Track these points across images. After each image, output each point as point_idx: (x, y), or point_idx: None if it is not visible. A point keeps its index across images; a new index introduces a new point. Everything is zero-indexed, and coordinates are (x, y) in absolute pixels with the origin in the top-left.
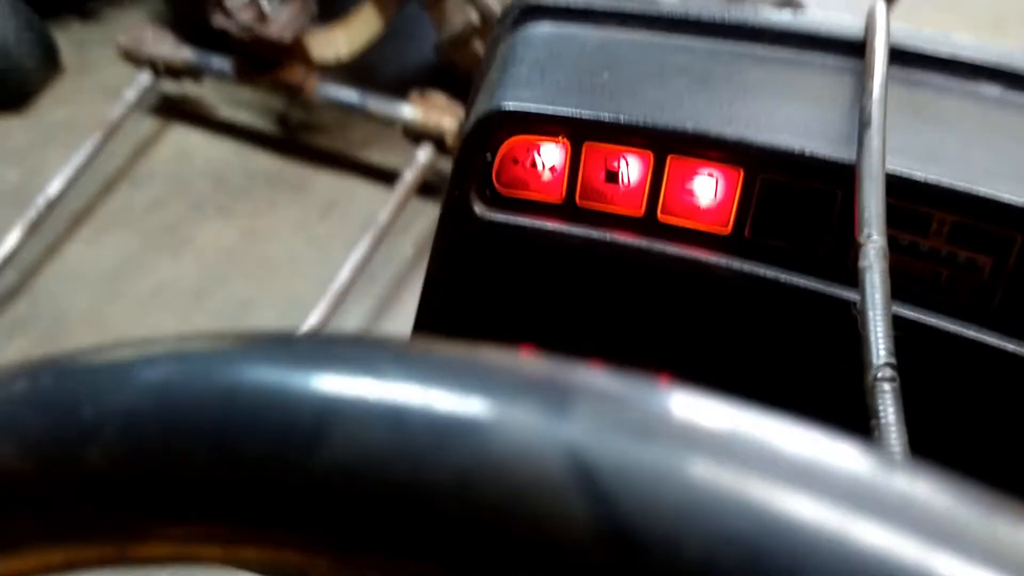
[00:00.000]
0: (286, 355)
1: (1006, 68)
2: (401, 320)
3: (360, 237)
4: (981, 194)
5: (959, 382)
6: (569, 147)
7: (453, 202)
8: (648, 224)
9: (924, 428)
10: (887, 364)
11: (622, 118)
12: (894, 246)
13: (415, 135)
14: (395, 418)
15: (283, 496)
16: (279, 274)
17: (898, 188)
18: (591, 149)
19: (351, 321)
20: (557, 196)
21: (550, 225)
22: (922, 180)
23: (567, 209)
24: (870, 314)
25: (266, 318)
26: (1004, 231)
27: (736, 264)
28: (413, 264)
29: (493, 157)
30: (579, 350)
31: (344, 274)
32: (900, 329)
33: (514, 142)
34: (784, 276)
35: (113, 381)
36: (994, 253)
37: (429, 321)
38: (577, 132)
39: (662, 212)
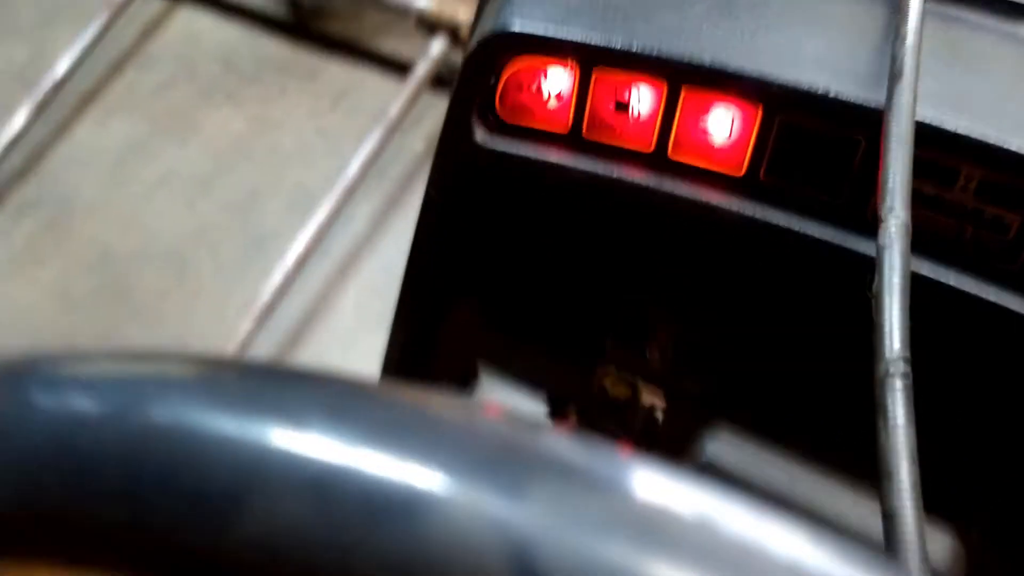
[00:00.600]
0: (209, 397)
1: None
2: (408, 220)
3: (371, 129)
4: (1013, 148)
5: (976, 346)
6: (578, 73)
7: (453, 127)
8: (658, 161)
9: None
10: (901, 358)
11: (635, 44)
12: (917, 198)
13: (429, 25)
14: (323, 490)
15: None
16: (288, 164)
17: (925, 137)
18: (601, 76)
19: (359, 220)
20: (563, 125)
21: (554, 156)
22: (951, 130)
23: (573, 140)
24: (886, 299)
25: (273, 208)
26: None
27: (748, 209)
28: (423, 160)
29: (497, 81)
30: (578, 291)
31: (353, 168)
32: (917, 287)
33: (519, 65)
34: (798, 224)
35: (14, 421)
36: (1021, 211)
37: (424, 249)
38: (587, 57)
39: (673, 148)
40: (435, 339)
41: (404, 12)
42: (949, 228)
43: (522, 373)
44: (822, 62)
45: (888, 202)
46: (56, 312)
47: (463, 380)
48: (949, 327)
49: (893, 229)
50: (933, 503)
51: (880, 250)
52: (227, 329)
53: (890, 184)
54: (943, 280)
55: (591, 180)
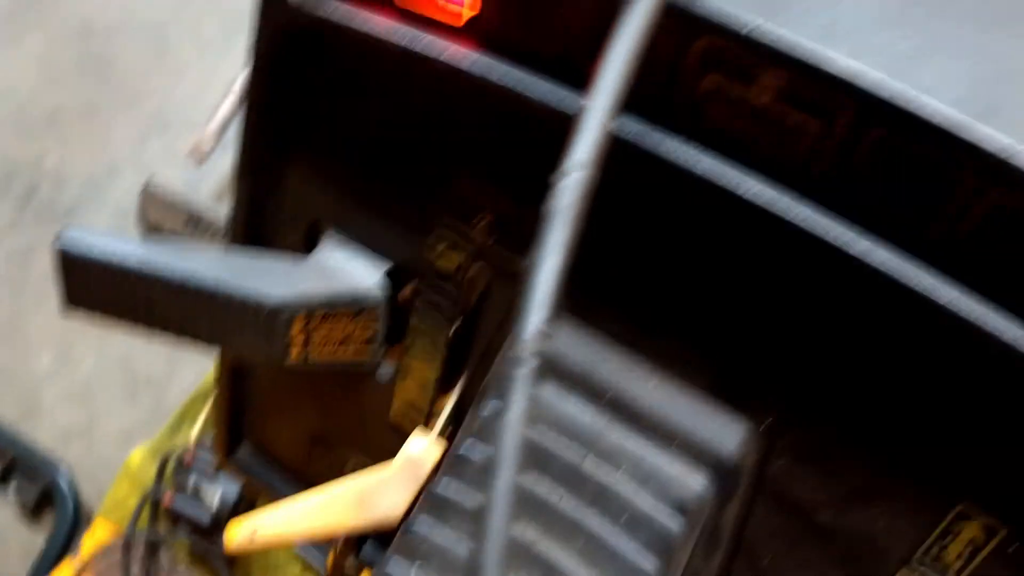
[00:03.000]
0: None
1: None
2: None
3: None
4: (816, 58)
5: (766, 258)
6: None
7: None
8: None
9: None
10: (534, 351)
11: None
12: (718, 98)
13: None
14: None
15: None
16: None
17: (726, 33)
18: None
19: None
20: None
21: (366, 22)
22: (749, 33)
23: (387, 4)
24: (543, 268)
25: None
26: (836, 99)
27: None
28: None
29: None
30: (405, 158)
31: None
32: (720, 191)
33: None
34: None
35: None
36: (822, 119)
37: (254, 106)
38: None
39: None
40: (277, 197)
41: None
42: (748, 131)
43: (362, 238)
44: None
45: (569, 163)
46: (40, 84)
47: (309, 242)
48: (741, 232)
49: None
50: (732, 395)
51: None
52: (208, 107)
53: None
54: (740, 184)
55: (404, 50)
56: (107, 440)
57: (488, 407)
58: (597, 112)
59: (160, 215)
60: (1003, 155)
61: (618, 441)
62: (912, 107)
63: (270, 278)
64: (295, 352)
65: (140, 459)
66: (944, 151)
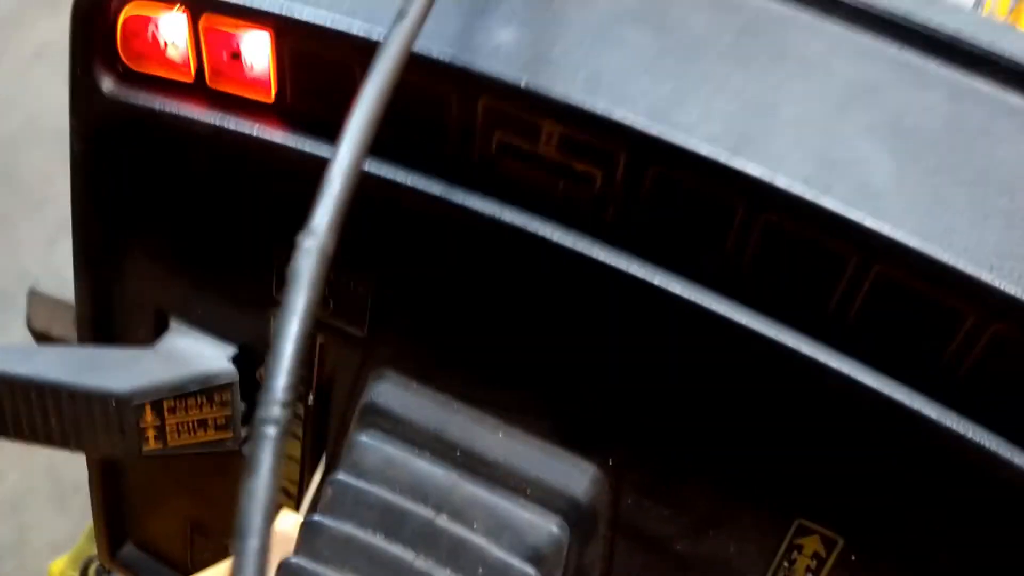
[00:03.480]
0: None
1: None
2: None
3: None
4: (584, 106)
5: (570, 298)
6: (189, 19)
7: (79, 75)
8: (199, 89)
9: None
10: (280, 404)
11: None
12: (510, 151)
13: None
14: None
15: None
16: None
17: (501, 91)
18: (209, 23)
19: None
20: (188, 74)
21: (182, 107)
22: (524, 87)
23: (199, 90)
24: (284, 334)
25: None
26: (610, 145)
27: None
28: None
29: (113, 27)
30: (238, 235)
31: None
32: (525, 239)
33: (130, 9)
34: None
35: None
36: (602, 166)
37: (81, 197)
38: (195, 3)
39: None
40: (120, 289)
41: None
42: (543, 182)
43: (208, 321)
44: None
45: (313, 224)
46: None
47: (158, 331)
48: (546, 279)
49: (310, 247)
50: (577, 439)
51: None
52: None
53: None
54: (539, 231)
55: (218, 130)
56: (39, 553)
57: (334, 479)
58: (338, 175)
59: (46, 321)
60: (763, 181)
61: (470, 495)
62: (677, 144)
63: (116, 370)
64: (151, 441)
65: (61, 568)
66: (712, 183)
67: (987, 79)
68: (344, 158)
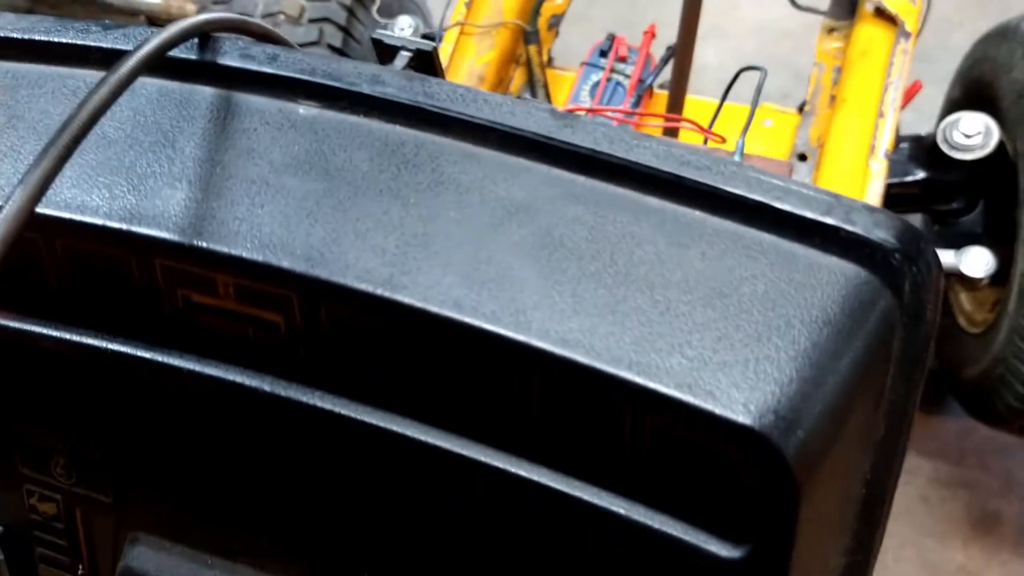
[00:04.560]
0: None
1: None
2: None
3: None
4: (245, 257)
5: (279, 445)
6: None
7: None
8: None
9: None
10: None
11: None
12: (197, 307)
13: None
14: None
15: None
16: None
17: (170, 251)
18: None
19: None
20: None
21: None
22: (189, 245)
23: None
24: None
25: None
26: (280, 290)
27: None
28: None
29: None
30: None
31: None
32: (214, 388)
33: None
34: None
35: None
36: (281, 311)
37: None
38: None
39: None
40: None
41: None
42: (234, 331)
43: None
44: None
45: None
46: None
47: None
48: (255, 431)
49: None
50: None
51: None
52: None
53: None
54: (239, 380)
55: None
56: None
57: None
58: None
59: None
60: (416, 307)
61: None
62: (335, 282)
63: None
64: None
65: None
66: (374, 315)
67: (628, 187)
68: None
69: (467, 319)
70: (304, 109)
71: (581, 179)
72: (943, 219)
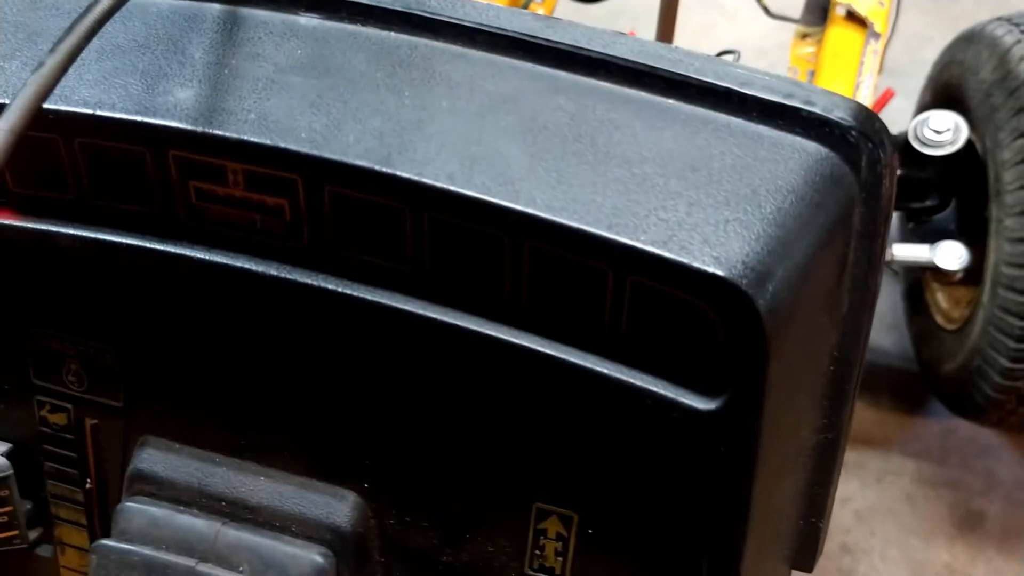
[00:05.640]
0: None
1: None
2: None
3: None
4: (254, 141)
5: (287, 325)
6: None
7: None
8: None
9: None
10: None
11: None
12: (208, 197)
13: None
14: None
15: None
16: None
17: (183, 141)
18: None
19: None
20: None
21: None
22: (201, 132)
23: None
24: None
25: None
26: (285, 174)
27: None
28: None
29: None
30: None
31: None
32: (226, 278)
33: None
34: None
35: None
36: (286, 195)
37: None
38: None
39: None
40: None
41: None
42: (241, 220)
43: None
44: None
45: None
46: None
47: None
48: (263, 312)
49: None
50: (331, 471)
51: None
52: None
53: None
54: (247, 267)
55: None
56: None
57: (97, 544)
58: None
59: None
60: (413, 180)
61: (235, 540)
62: (336, 160)
63: None
64: None
65: None
66: (375, 192)
67: (607, 79)
68: None
69: (460, 189)
70: (305, 19)
71: (563, 74)
72: (917, 217)
